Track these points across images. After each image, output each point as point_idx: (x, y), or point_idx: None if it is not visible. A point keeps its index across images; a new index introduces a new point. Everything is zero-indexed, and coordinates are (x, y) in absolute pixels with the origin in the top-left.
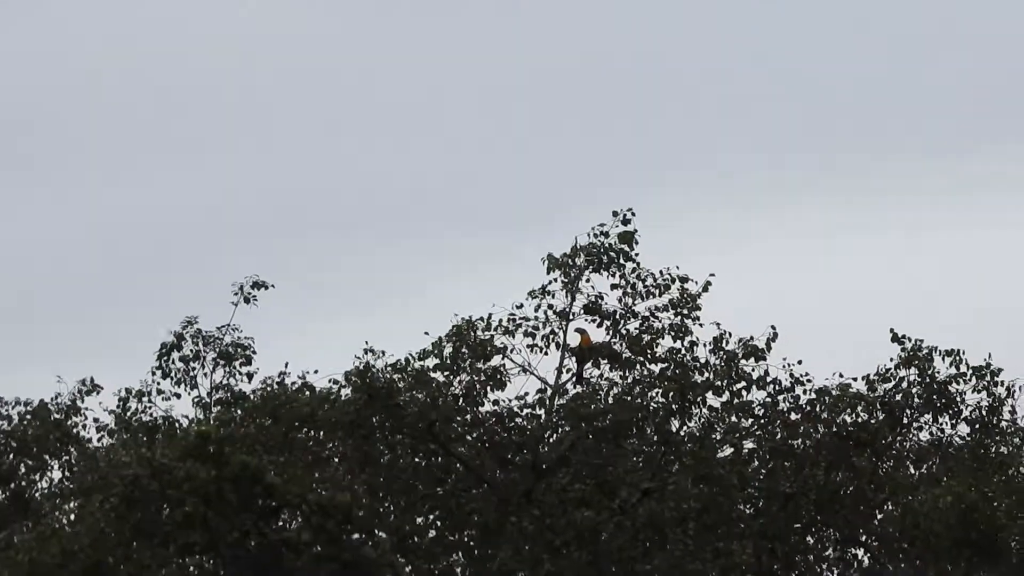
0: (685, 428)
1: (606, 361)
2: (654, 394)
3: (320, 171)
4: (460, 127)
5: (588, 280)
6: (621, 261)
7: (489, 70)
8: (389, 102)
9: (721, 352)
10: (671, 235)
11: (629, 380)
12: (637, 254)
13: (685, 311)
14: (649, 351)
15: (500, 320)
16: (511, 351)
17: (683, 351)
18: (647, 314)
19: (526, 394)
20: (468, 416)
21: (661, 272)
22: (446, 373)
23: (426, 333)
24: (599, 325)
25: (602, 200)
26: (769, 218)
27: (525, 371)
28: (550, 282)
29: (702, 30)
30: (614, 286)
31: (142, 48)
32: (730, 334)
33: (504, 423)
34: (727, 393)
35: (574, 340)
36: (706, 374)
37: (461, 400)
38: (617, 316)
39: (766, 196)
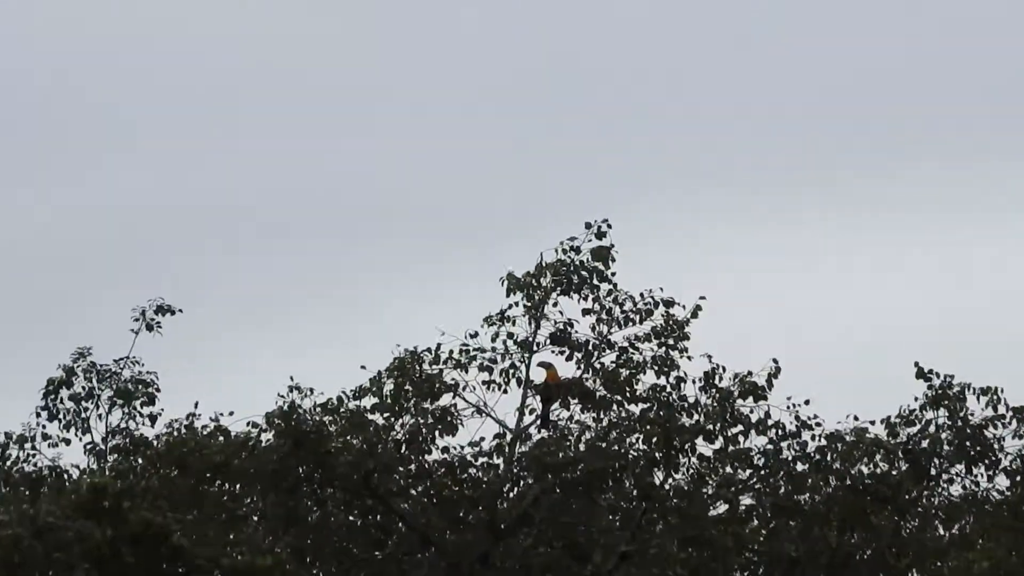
0: (671, 480)
1: (577, 401)
2: (634, 440)
3: (247, 179)
4: (408, 130)
5: (556, 304)
6: (595, 282)
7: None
8: (325, 104)
9: (714, 390)
10: (653, 252)
11: (604, 423)
12: (614, 274)
13: (671, 341)
14: (628, 388)
15: (451, 352)
16: (464, 389)
17: (668, 389)
18: (625, 344)
19: (482, 440)
20: (412, 466)
21: (642, 295)
22: (386, 415)
23: (363, 367)
24: (568, 358)
25: (572, 211)
26: (767, 232)
27: (480, 412)
28: (510, 306)
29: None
30: (586, 311)
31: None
32: (724, 368)
33: (455, 474)
34: (721, 439)
35: (539, 376)
36: (696, 416)
37: (404, 447)
38: (590, 347)
39: (763, 207)
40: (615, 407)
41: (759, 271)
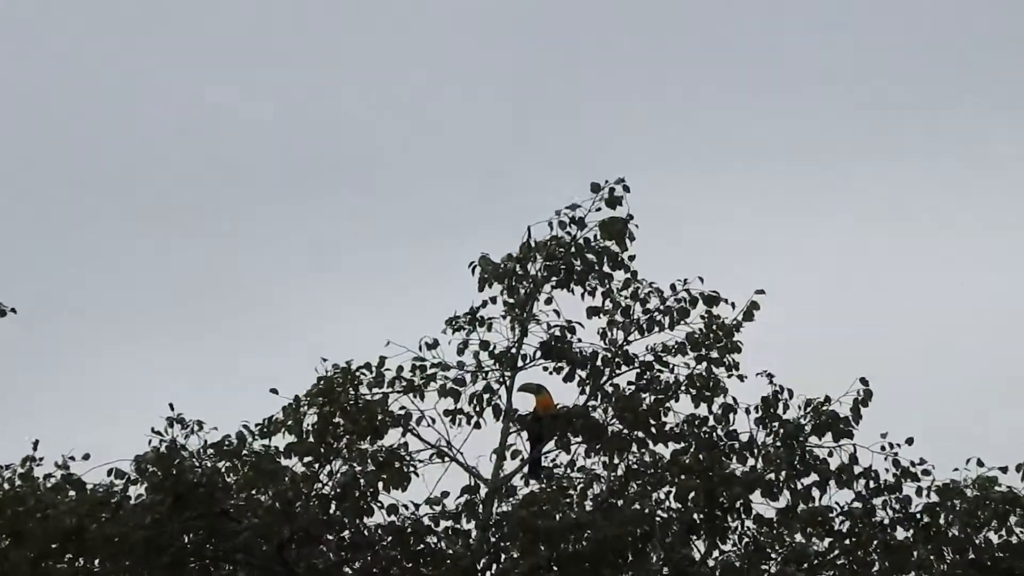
0: (716, 554)
1: (580, 439)
2: (663, 495)
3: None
4: (348, 69)
5: (549, 301)
6: (605, 268)
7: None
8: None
9: (776, 424)
10: (685, 231)
11: (620, 471)
12: (632, 258)
13: (714, 354)
14: (654, 421)
15: (400, 369)
16: (419, 422)
17: (712, 422)
18: (650, 358)
19: (445, 495)
20: (346, 533)
21: (674, 287)
22: (308, 460)
23: (273, 392)
24: (568, 377)
25: (573, 167)
26: (834, 208)
27: (443, 456)
28: (485, 304)
29: None
30: (594, 311)
31: None
32: (791, 393)
33: (408, 545)
34: (787, 494)
35: (526, 403)
36: (751, 461)
37: (333, 506)
38: (599, 362)
39: (826, 176)
40: (635, 448)
41: (828, 257)
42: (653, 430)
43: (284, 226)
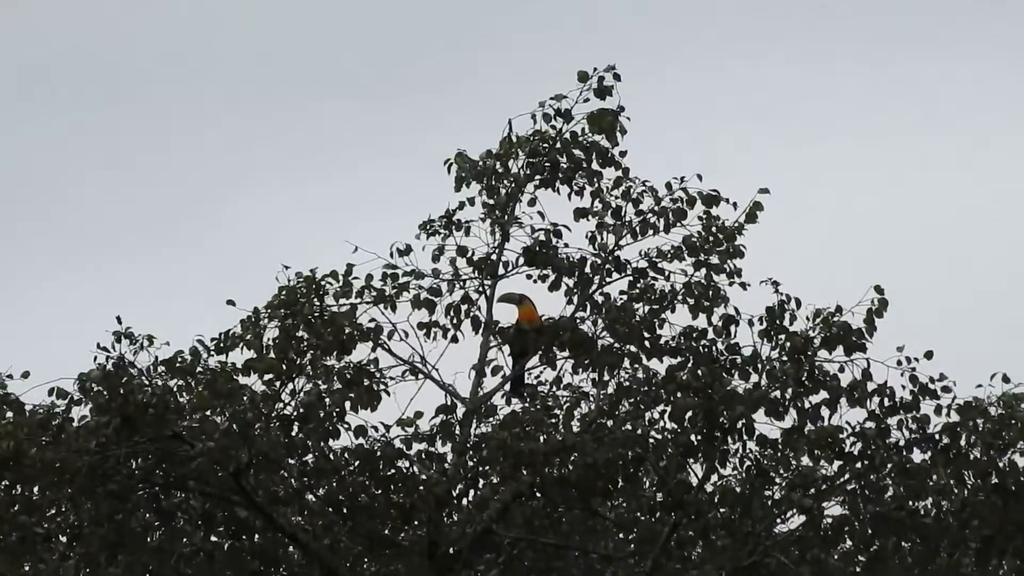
0: (715, 479)
1: (567, 354)
2: (657, 415)
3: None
4: None
5: (533, 202)
6: (595, 166)
7: None
8: None
9: (782, 337)
10: (681, 125)
11: (611, 389)
12: (624, 154)
13: (714, 259)
14: (648, 334)
15: (369, 278)
16: (390, 336)
17: (712, 334)
18: (644, 265)
19: (418, 416)
20: (309, 458)
21: (669, 186)
22: (268, 378)
23: (230, 303)
24: (554, 286)
25: (559, 57)
26: (848, 108)
27: (416, 373)
28: (462, 206)
29: None
30: (582, 212)
31: None
32: (798, 303)
33: (377, 470)
34: (794, 413)
35: (507, 315)
36: (755, 377)
37: (295, 428)
38: (587, 269)
39: (840, 74)
40: (627, 363)
41: (840, 160)
42: (647, 344)
43: (242, 133)
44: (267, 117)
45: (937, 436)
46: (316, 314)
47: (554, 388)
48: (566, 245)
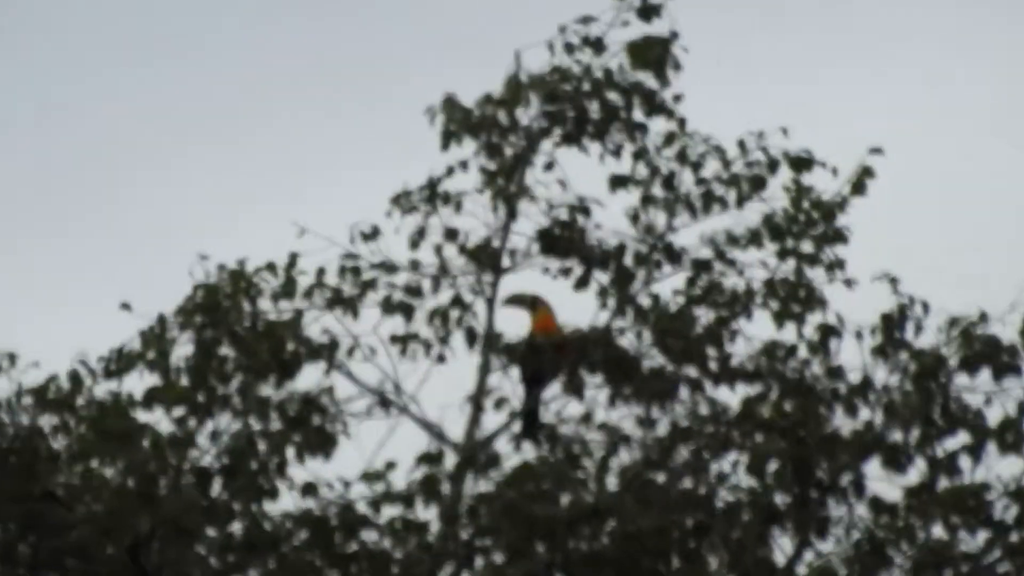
0: (810, 556)
1: (598, 379)
2: (726, 467)
3: None
4: None
5: (551, 166)
6: (636, 116)
7: None
8: None
9: (902, 355)
10: (761, 53)
11: (660, 431)
12: (679, 97)
13: (806, 246)
14: (713, 352)
15: (321, 272)
16: (351, 352)
17: (803, 351)
18: (706, 253)
19: (390, 467)
20: (237, 525)
21: (742, 144)
22: (180, 413)
23: (125, 307)
24: (580, 284)
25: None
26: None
27: (387, 406)
28: (450, 172)
29: None
30: (621, 181)
31: None
32: (925, 307)
33: (331, 543)
34: (921, 463)
35: (516, 324)
36: (865, 412)
37: (218, 484)
38: (627, 261)
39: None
40: (685, 393)
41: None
42: (712, 365)
43: (146, 80)
44: (180, 58)
45: None
46: (247, 323)
47: (582, 427)
48: (598, 227)
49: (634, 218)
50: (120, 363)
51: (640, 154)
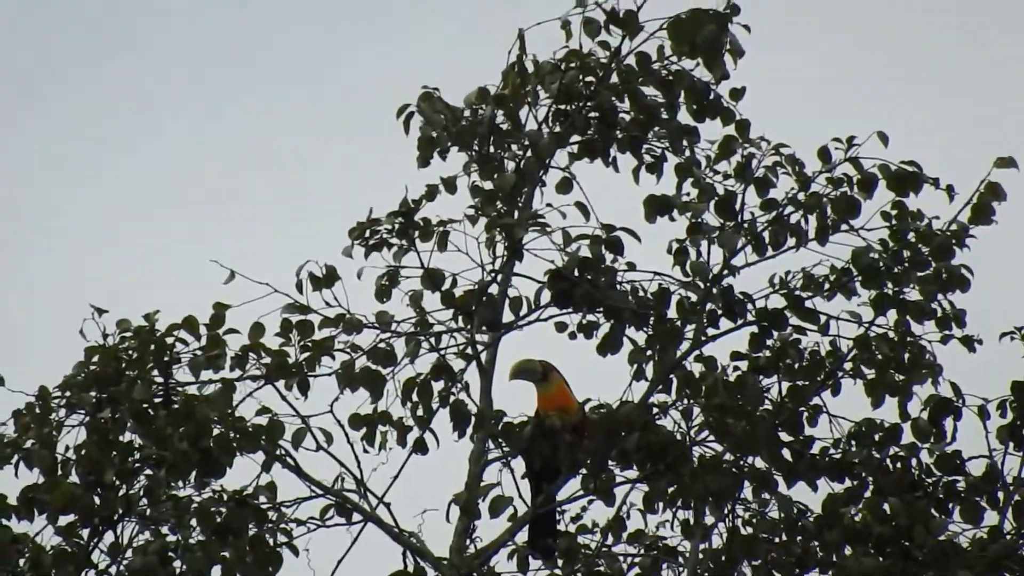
0: None
1: (633, 472)
2: None
3: None
4: None
5: (566, 186)
6: (683, 117)
7: None
8: None
9: None
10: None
11: (716, 541)
12: (740, 92)
13: (912, 292)
14: (788, 437)
15: (258, 329)
16: (298, 441)
17: (908, 433)
18: (778, 303)
19: None
20: None
21: (826, 153)
22: (68, 520)
23: None
24: (607, 347)
25: None
26: None
27: (347, 513)
28: (431, 194)
29: None
30: (661, 205)
31: None
32: None
33: None
34: None
35: (521, 399)
36: (991, 516)
37: None
38: (671, 313)
39: None
40: (749, 491)
41: None
42: (785, 453)
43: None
44: (94, 65)
45: None
46: (157, 400)
47: (610, 538)
48: (628, 267)
49: (678, 255)
50: None
51: (685, 169)
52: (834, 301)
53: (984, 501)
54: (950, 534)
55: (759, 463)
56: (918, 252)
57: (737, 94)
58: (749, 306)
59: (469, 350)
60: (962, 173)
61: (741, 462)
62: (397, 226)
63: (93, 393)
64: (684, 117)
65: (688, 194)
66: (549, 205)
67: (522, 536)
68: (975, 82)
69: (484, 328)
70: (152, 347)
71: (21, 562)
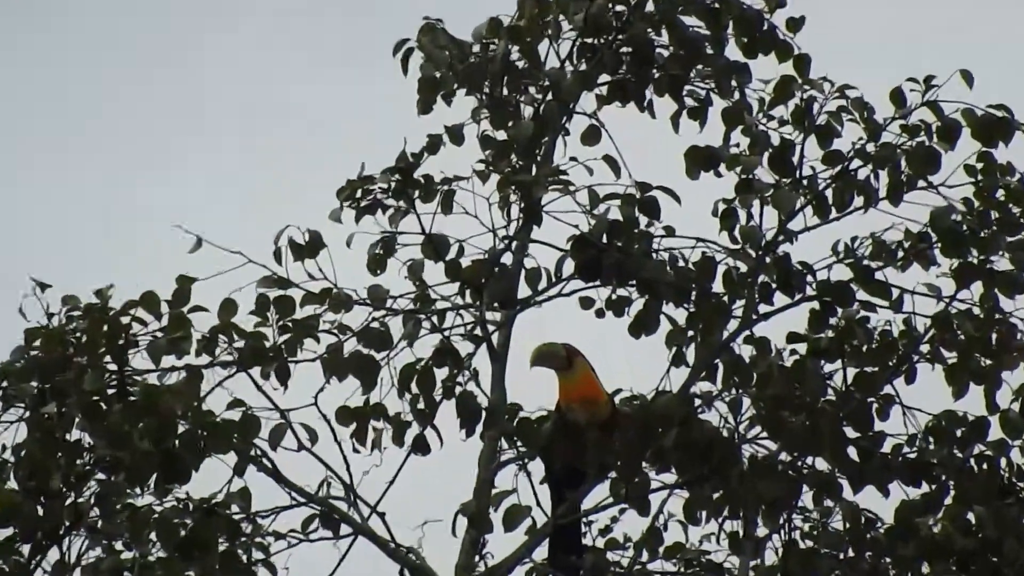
0: None
1: (672, 476)
2: None
3: None
4: None
5: (593, 135)
6: (732, 53)
7: None
8: None
9: None
10: None
11: (771, 558)
12: (799, 23)
13: (1003, 262)
14: (855, 432)
15: (230, 306)
16: (276, 440)
17: (998, 430)
18: (845, 275)
19: None
20: None
21: (899, 96)
22: (7, 534)
23: None
24: (641, 327)
25: None
26: None
27: (334, 525)
28: (434, 146)
29: None
30: (706, 157)
31: None
32: None
33: None
34: None
35: (541, 389)
36: None
37: None
38: (717, 287)
39: None
40: (811, 497)
41: None
42: (853, 454)
43: None
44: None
45: None
46: (111, 391)
47: (645, 554)
48: (668, 232)
49: (726, 218)
50: None
51: (734, 115)
52: (909, 272)
53: None
54: None
55: (820, 464)
56: (1008, 213)
57: (795, 24)
58: (809, 278)
59: (478, 331)
60: None
61: (799, 463)
62: (394, 184)
63: (35, 383)
64: (733, 52)
65: (737, 145)
66: (573, 159)
67: (541, 552)
68: None
69: (496, 305)
70: (105, 328)
71: None
